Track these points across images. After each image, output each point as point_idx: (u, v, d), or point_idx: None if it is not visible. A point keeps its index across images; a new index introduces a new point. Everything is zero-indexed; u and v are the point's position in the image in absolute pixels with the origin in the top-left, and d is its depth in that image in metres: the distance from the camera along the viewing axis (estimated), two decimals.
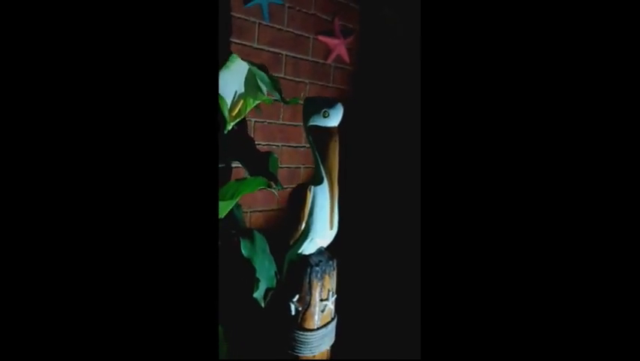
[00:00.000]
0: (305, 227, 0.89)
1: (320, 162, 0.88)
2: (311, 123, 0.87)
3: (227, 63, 0.64)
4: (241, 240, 0.82)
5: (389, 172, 1.71)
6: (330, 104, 0.86)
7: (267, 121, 1.40)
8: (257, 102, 0.74)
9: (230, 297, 0.86)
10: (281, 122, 1.44)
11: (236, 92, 0.71)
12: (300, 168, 1.55)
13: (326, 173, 0.88)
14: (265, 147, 1.41)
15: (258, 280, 0.85)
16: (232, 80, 0.68)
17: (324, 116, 0.85)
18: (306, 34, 1.46)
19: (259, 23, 1.32)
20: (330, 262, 0.95)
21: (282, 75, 1.41)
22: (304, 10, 1.43)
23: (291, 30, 1.41)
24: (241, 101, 0.72)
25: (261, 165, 1.04)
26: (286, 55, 1.41)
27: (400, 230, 1.62)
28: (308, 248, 0.91)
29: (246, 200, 1.37)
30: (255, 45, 1.33)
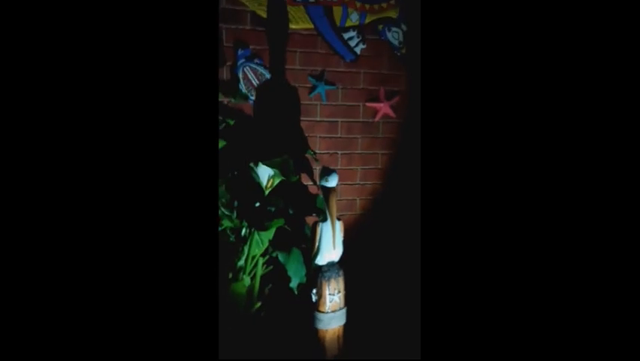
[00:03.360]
0: (317, 247, 1.45)
1: (326, 208, 1.43)
2: (320, 184, 1.43)
3: (256, 167, 1.28)
4: (279, 253, 1.45)
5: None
6: (329, 173, 1.41)
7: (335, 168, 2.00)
8: (280, 179, 1.36)
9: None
10: (339, 167, 2.01)
11: (268, 175, 1.35)
12: (356, 200, 2.07)
13: (329, 215, 1.42)
14: None
15: (290, 278, 1.45)
16: (264, 171, 1.32)
17: (326, 181, 1.40)
18: (357, 103, 1.99)
19: (319, 103, 1.94)
20: (337, 271, 1.47)
21: (337, 135, 1.99)
22: (355, 87, 1.97)
23: (344, 103, 1.97)
24: (271, 180, 1.35)
25: (311, 204, 1.64)
26: (341, 121, 1.98)
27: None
28: (320, 260, 1.47)
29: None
30: (318, 119, 1.95)
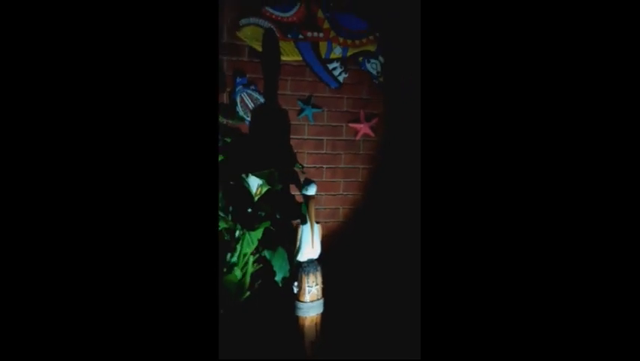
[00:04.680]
0: (298, 246, 1.71)
1: (306, 212, 1.69)
2: (302, 192, 1.71)
3: (246, 177, 1.56)
4: (265, 250, 1.71)
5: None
6: (309, 183, 1.68)
7: (314, 179, 2.27)
8: (267, 188, 1.64)
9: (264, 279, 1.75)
10: (324, 179, 2.29)
11: (258, 184, 1.62)
12: (339, 208, 2.34)
13: (308, 218, 1.69)
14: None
15: (275, 272, 1.71)
16: (254, 181, 1.60)
17: (306, 190, 1.68)
18: (340, 124, 2.27)
19: (307, 124, 2.23)
20: (315, 266, 1.73)
21: (323, 151, 2.27)
22: (338, 110, 2.26)
23: (329, 123, 2.26)
24: (260, 188, 1.63)
25: (296, 210, 1.91)
26: (326, 139, 2.26)
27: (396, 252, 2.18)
28: (301, 257, 1.73)
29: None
30: (306, 137, 2.23)
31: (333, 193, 2.31)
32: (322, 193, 2.30)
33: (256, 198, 1.64)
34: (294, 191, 2.16)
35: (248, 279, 1.80)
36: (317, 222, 1.73)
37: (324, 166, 2.28)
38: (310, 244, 1.70)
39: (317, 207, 2.30)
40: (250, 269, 1.80)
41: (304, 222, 1.70)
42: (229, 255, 1.74)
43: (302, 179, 2.18)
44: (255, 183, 1.62)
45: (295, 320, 1.72)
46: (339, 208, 2.33)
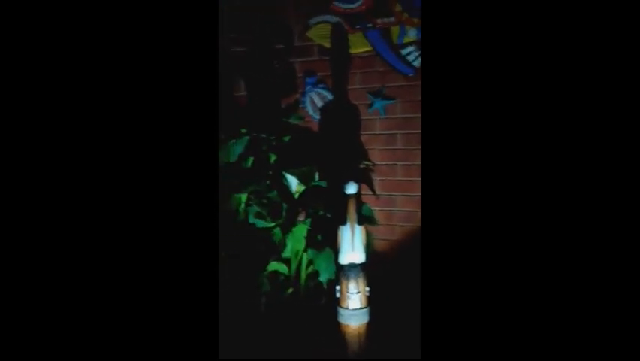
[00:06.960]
0: (338, 248, 1.60)
1: (346, 213, 1.57)
2: (343, 191, 1.60)
3: (286, 176, 1.56)
4: (309, 249, 1.67)
5: None
6: (347, 181, 1.55)
7: (387, 178, 2.08)
8: (302, 187, 1.60)
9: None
10: (398, 178, 2.07)
11: (297, 182, 1.61)
12: (416, 211, 2.06)
13: (348, 219, 1.56)
14: (386, 196, 2.09)
15: (319, 272, 1.66)
16: (292, 179, 1.59)
17: (345, 188, 1.56)
18: (416, 115, 2.00)
19: (378, 118, 2.06)
20: (357, 272, 1.58)
21: (396, 147, 2.05)
22: (414, 100, 2.00)
23: (402, 115, 2.03)
24: (297, 186, 1.61)
25: (359, 211, 1.82)
26: (400, 133, 2.04)
27: None
28: (342, 260, 1.61)
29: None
30: (377, 132, 2.07)
31: (409, 194, 2.06)
32: (397, 194, 2.09)
33: (296, 195, 1.64)
34: (365, 191, 2.05)
35: (304, 276, 1.82)
36: (359, 225, 1.58)
37: (398, 163, 2.07)
38: (350, 247, 1.57)
39: (391, 209, 2.11)
40: (305, 268, 1.81)
41: (344, 223, 1.58)
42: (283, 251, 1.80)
43: (374, 178, 2.05)
44: (294, 180, 1.62)
45: (336, 326, 1.62)
46: (416, 211, 2.06)
